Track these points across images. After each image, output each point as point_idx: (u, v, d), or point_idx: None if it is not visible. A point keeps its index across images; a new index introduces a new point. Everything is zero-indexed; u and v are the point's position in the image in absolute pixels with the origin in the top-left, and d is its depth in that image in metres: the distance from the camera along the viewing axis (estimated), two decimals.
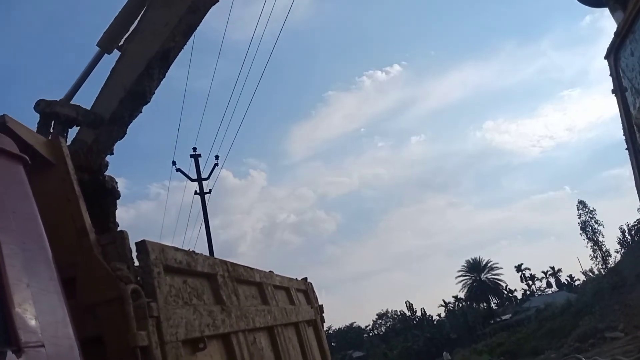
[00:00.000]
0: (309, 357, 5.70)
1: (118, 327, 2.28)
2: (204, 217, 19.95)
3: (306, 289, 7.06)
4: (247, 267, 4.42)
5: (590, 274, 56.99)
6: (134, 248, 2.61)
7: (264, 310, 4.34)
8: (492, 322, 52.74)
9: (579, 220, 62.13)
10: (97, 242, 2.53)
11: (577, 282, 61.77)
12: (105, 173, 4.39)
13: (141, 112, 4.45)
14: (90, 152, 4.21)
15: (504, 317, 54.51)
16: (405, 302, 77.49)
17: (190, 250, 3.18)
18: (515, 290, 74.87)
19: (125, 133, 4.47)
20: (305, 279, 7.27)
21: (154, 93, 4.37)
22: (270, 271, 5.34)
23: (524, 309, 53.28)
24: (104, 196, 4.29)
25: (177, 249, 2.93)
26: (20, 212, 1.97)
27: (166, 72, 4.45)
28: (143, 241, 2.59)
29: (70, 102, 4.35)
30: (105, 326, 2.33)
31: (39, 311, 1.82)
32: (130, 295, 2.33)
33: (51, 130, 4.08)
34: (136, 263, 2.59)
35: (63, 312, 1.99)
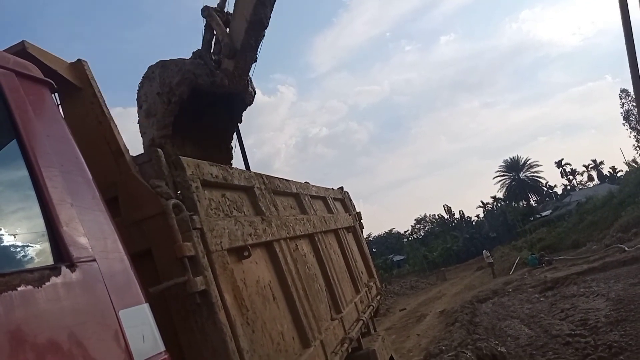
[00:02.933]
0: (350, 261, 5.90)
1: (164, 240, 2.37)
2: (238, 137, 20.11)
3: (343, 198, 7.18)
4: (283, 179, 4.48)
5: (634, 164, 55.61)
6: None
7: (303, 219, 4.45)
8: (532, 219, 52.93)
9: (621, 110, 59.78)
10: (133, 161, 2.58)
11: (619, 174, 60.49)
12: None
13: (264, 35, 5.04)
14: (233, 77, 5.02)
15: (543, 214, 54.57)
16: (444, 206, 78.32)
17: (225, 165, 3.21)
18: (556, 186, 74.17)
19: (257, 55, 5.17)
20: (342, 188, 7.36)
21: (269, 17, 4.91)
22: (306, 182, 5.40)
23: (564, 204, 53.08)
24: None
25: (211, 164, 2.96)
26: (54, 136, 2.00)
27: None
28: (178, 158, 2.63)
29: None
30: (152, 240, 2.43)
31: (87, 228, 1.90)
32: (172, 209, 2.39)
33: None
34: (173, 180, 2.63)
35: (110, 228, 2.06)
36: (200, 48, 5.11)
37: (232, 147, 6.02)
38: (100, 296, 1.83)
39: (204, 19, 5.10)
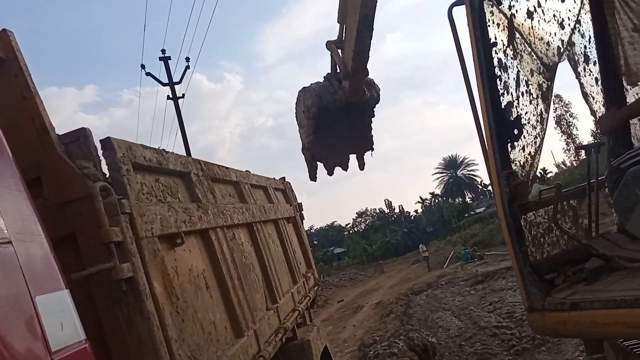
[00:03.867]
0: (289, 251, 5.89)
1: (90, 224, 2.25)
2: (179, 122, 19.64)
3: (284, 188, 7.15)
4: (222, 166, 4.39)
5: (563, 166, 58.98)
6: (99, 147, 2.52)
7: (241, 207, 4.38)
8: (467, 215, 55.03)
9: (554, 115, 63.07)
10: (59, 140, 2.43)
11: (549, 175, 64.05)
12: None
13: (369, 56, 5.98)
14: (351, 92, 6.23)
15: (477, 211, 56.86)
16: (384, 201, 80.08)
17: (161, 148, 3.10)
18: (490, 184, 77.47)
19: (368, 72, 6.15)
20: (283, 178, 7.34)
21: (370, 45, 5.78)
22: (246, 170, 5.33)
23: None
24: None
25: (145, 147, 2.84)
26: None
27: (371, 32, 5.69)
28: (108, 138, 2.50)
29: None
30: (77, 224, 2.30)
31: (3, 209, 1.77)
32: (100, 192, 2.28)
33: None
34: (103, 161, 2.51)
35: (30, 210, 1.94)
36: (329, 72, 6.58)
37: (372, 136, 7.16)
38: (15, 281, 1.71)
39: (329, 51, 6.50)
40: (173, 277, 2.69)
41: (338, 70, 6.48)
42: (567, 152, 62.89)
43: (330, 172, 7.12)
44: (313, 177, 6.96)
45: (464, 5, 3.66)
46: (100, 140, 2.49)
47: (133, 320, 2.27)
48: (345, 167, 7.16)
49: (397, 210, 78.68)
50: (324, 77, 6.60)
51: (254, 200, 5.02)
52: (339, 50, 6.34)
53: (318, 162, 6.80)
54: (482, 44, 3.63)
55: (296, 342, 5.05)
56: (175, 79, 20.98)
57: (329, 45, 6.44)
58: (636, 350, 3.56)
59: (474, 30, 3.66)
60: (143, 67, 21.36)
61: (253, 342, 3.52)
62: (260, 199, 5.53)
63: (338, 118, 6.68)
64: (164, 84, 20.93)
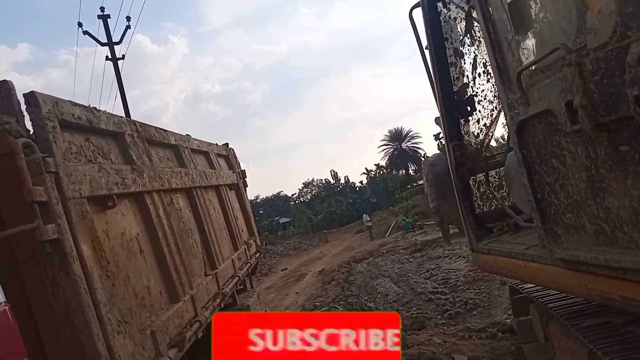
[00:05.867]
0: (230, 218, 5.85)
1: (12, 182, 2.13)
2: (119, 85, 18.78)
3: (227, 155, 7.05)
4: (160, 128, 4.25)
5: (502, 140, 61.17)
6: (22, 102, 2.36)
7: (180, 172, 4.28)
8: (409, 187, 56.40)
9: None
10: None
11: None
12: None
13: None
14: None
15: (420, 182, 58.37)
16: (330, 171, 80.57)
17: (92, 106, 2.95)
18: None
19: None
20: (227, 144, 7.22)
21: None
22: (187, 135, 5.20)
23: None
24: None
25: (74, 104, 2.70)
26: None
27: None
28: (32, 92, 2.35)
29: None
30: None
31: None
32: (23, 149, 2.15)
33: None
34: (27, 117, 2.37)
35: None
36: None
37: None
38: None
39: None
40: (104, 240, 2.61)
41: None
42: (506, 126, 65.33)
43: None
44: (446, 239, 7.03)
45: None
46: (24, 95, 2.34)
47: (59, 283, 2.19)
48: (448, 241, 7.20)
49: (342, 181, 79.56)
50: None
51: (194, 165, 4.92)
52: None
53: (449, 225, 6.73)
54: (435, 40, 4.52)
55: (235, 308, 5.07)
56: (115, 39, 19.98)
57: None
58: (558, 312, 3.82)
59: (427, 28, 4.52)
60: (80, 25, 20.20)
61: (189, 307, 3.50)
62: (201, 164, 5.43)
63: None
64: (102, 44, 19.88)
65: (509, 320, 7.73)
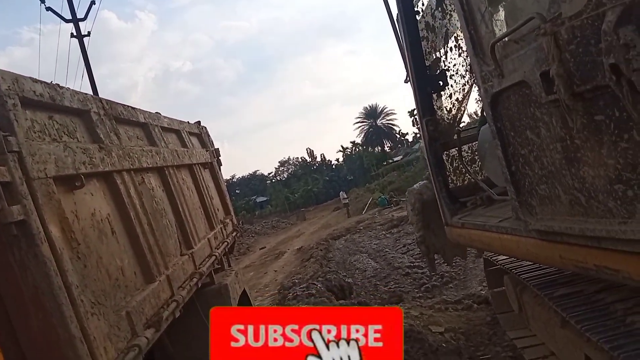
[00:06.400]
0: (205, 197, 5.77)
1: None
2: (85, 63, 18.21)
3: (200, 133, 6.93)
4: (128, 106, 4.13)
5: (475, 116, 61.81)
6: None
7: (151, 151, 4.17)
8: (385, 163, 56.76)
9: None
10: None
11: (462, 124, 66.98)
12: None
13: None
14: None
15: (395, 159, 58.76)
16: (306, 149, 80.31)
17: (54, 83, 2.83)
18: (407, 133, 79.95)
19: None
20: (199, 122, 7.09)
21: None
22: (156, 112, 5.06)
23: (413, 150, 57.49)
24: None
25: (35, 80, 2.58)
26: None
27: None
28: None
29: None
30: None
31: None
32: None
33: None
34: None
35: None
36: None
37: None
38: None
39: None
40: (73, 221, 2.53)
41: None
42: (478, 102, 66.00)
43: (450, 263, 6.81)
44: (432, 269, 6.77)
45: None
46: None
47: (27, 265, 2.11)
48: (464, 257, 6.88)
49: (318, 159, 79.55)
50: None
51: (165, 144, 4.81)
52: None
53: (435, 255, 6.48)
54: (406, 13, 4.59)
55: (213, 287, 5.03)
56: (80, 15, 19.33)
57: None
58: (531, 282, 3.91)
59: (399, 1, 4.57)
60: (43, 1, 19.48)
61: (165, 287, 3.45)
62: (173, 143, 5.31)
63: None
64: (67, 21, 19.19)
65: (484, 292, 7.91)
